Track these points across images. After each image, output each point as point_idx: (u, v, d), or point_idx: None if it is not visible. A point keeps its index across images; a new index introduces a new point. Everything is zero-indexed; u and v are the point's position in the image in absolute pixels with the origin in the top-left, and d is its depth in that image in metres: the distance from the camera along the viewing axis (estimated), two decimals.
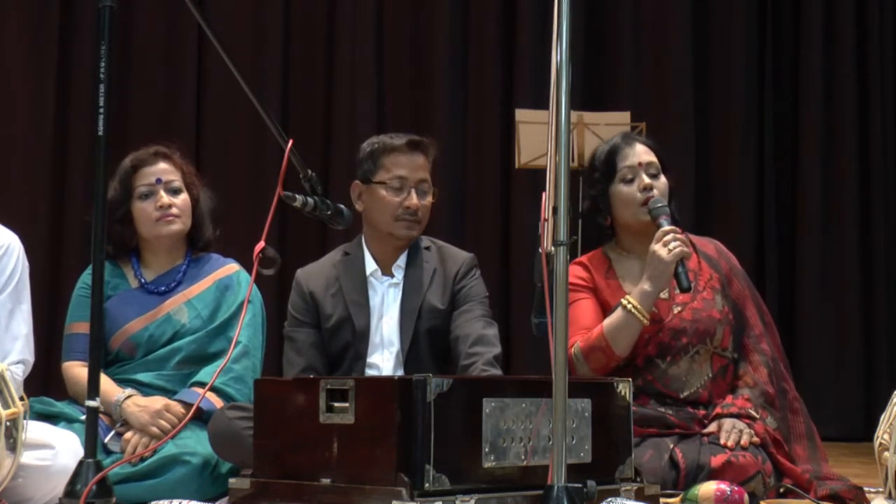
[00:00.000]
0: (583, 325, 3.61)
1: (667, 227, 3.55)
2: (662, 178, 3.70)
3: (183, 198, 3.72)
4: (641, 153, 3.70)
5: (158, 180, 3.69)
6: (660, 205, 3.61)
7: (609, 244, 3.79)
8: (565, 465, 2.40)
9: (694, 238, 3.79)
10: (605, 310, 3.64)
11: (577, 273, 3.70)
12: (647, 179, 3.65)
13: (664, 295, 3.65)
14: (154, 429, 3.45)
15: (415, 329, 3.61)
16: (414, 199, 3.64)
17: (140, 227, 3.70)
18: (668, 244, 3.52)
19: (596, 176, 3.73)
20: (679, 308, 3.65)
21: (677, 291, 3.60)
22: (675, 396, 3.61)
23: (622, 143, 3.73)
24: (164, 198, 3.67)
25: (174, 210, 3.68)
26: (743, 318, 3.72)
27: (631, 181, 3.67)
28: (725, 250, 3.85)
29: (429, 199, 3.69)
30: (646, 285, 3.54)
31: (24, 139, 6.52)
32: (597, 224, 3.76)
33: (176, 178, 3.73)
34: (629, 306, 3.53)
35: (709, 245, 3.83)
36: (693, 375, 3.63)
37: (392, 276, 3.69)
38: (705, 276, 3.72)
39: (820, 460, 3.61)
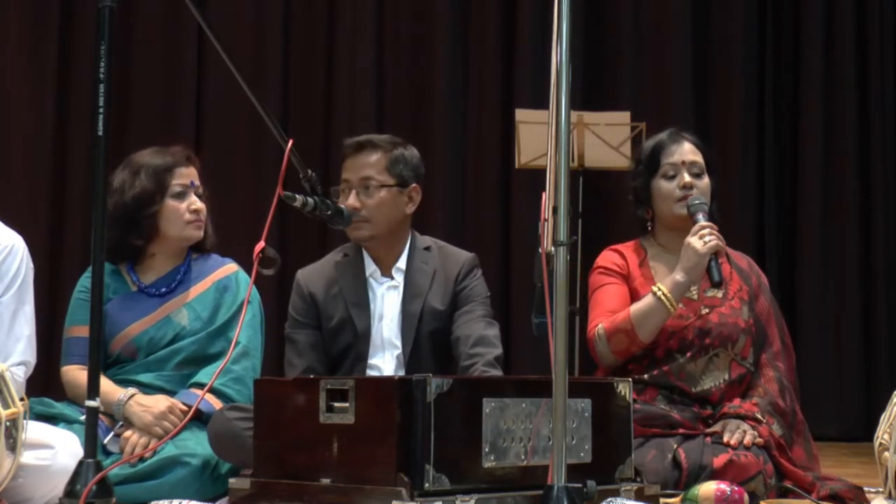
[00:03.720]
0: (609, 308, 3.66)
1: (703, 223, 3.59)
2: (705, 179, 3.73)
3: (203, 205, 3.74)
4: (687, 152, 3.74)
5: (192, 183, 3.71)
6: (698, 202, 3.65)
7: (646, 237, 3.82)
8: (565, 465, 2.40)
9: (729, 250, 3.81)
10: (634, 298, 3.67)
11: (612, 259, 3.76)
12: (688, 178, 3.69)
13: (694, 295, 3.68)
14: (158, 429, 3.44)
15: (416, 332, 3.60)
16: (350, 199, 3.60)
17: (167, 226, 3.67)
18: (703, 237, 3.55)
19: (640, 169, 3.79)
20: (707, 310, 3.69)
21: (707, 293, 3.64)
22: (687, 390, 3.62)
23: (668, 140, 3.76)
24: (197, 202, 3.70)
25: (202, 216, 3.71)
26: (764, 334, 3.74)
27: (672, 178, 3.71)
28: (757, 267, 3.90)
29: (377, 197, 3.61)
30: (678, 276, 3.57)
31: (24, 139, 6.52)
32: (637, 216, 3.81)
33: (200, 186, 3.75)
34: (659, 293, 3.56)
35: (742, 259, 3.87)
36: (709, 375, 3.66)
37: (391, 277, 3.68)
38: (735, 286, 3.75)
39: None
